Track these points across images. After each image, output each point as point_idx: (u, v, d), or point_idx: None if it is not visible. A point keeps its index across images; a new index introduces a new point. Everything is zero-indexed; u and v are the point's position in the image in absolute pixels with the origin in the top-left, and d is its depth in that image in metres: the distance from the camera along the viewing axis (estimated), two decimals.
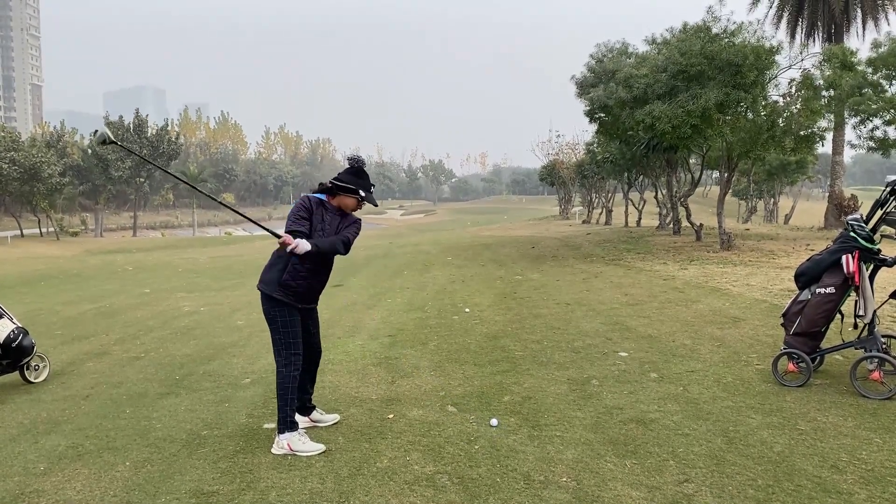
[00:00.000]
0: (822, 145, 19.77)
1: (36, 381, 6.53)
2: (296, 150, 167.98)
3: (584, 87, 19.70)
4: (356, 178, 4.44)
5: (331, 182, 4.45)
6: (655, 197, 30.69)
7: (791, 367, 5.25)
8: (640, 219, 34.03)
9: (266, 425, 4.82)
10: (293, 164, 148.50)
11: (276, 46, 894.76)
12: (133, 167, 65.67)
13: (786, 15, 29.34)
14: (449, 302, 10.51)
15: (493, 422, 4.62)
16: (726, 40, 14.77)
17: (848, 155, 25.55)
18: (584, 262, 15.81)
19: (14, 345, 6.24)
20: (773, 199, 54.10)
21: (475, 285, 12.49)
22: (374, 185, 4.54)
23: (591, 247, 20.48)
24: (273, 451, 4.27)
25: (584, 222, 42.90)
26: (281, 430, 4.31)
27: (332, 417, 4.85)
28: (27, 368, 6.48)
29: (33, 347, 6.48)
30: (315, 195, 4.46)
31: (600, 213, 42.43)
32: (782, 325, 5.50)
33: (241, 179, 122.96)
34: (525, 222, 50.30)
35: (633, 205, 35.04)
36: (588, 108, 19.03)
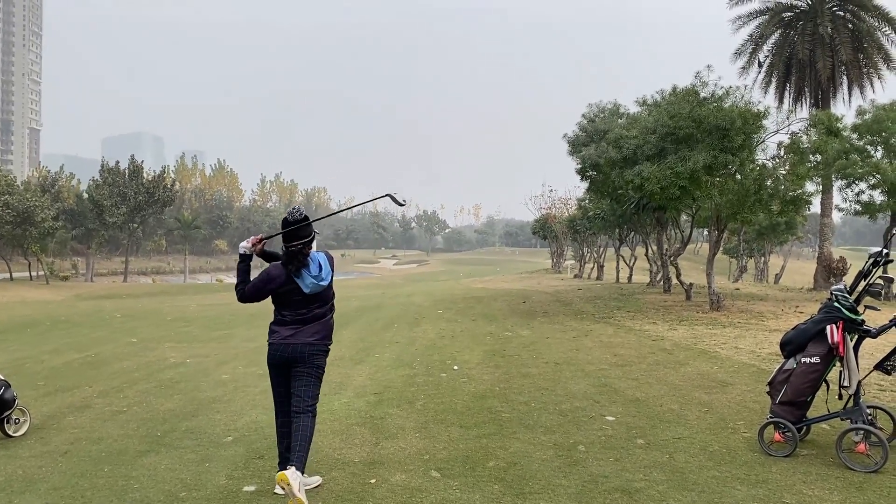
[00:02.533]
0: (809, 209, 20.08)
1: (15, 434, 6.41)
2: (290, 198, 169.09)
3: (575, 146, 20.07)
4: None
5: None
6: (646, 254, 30.91)
7: (777, 436, 5.23)
8: (630, 275, 34.20)
9: (245, 488, 4.74)
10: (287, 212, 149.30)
11: (283, 109, 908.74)
12: (128, 213, 65.69)
13: (774, 80, 30.12)
14: (438, 358, 10.46)
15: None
16: (714, 105, 15.10)
17: (838, 216, 25.99)
18: (575, 320, 15.81)
19: None
20: (763, 258, 54.46)
21: (465, 341, 12.45)
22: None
23: (581, 303, 20.50)
24: (299, 492, 4.03)
25: (575, 276, 43.02)
26: (303, 470, 4.30)
27: (315, 480, 4.79)
28: (7, 422, 6.37)
29: (14, 401, 6.39)
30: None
31: (592, 268, 42.62)
32: (768, 393, 5.49)
33: (234, 226, 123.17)
34: (517, 275, 50.39)
35: (625, 261, 35.27)
36: (580, 166, 19.39)
